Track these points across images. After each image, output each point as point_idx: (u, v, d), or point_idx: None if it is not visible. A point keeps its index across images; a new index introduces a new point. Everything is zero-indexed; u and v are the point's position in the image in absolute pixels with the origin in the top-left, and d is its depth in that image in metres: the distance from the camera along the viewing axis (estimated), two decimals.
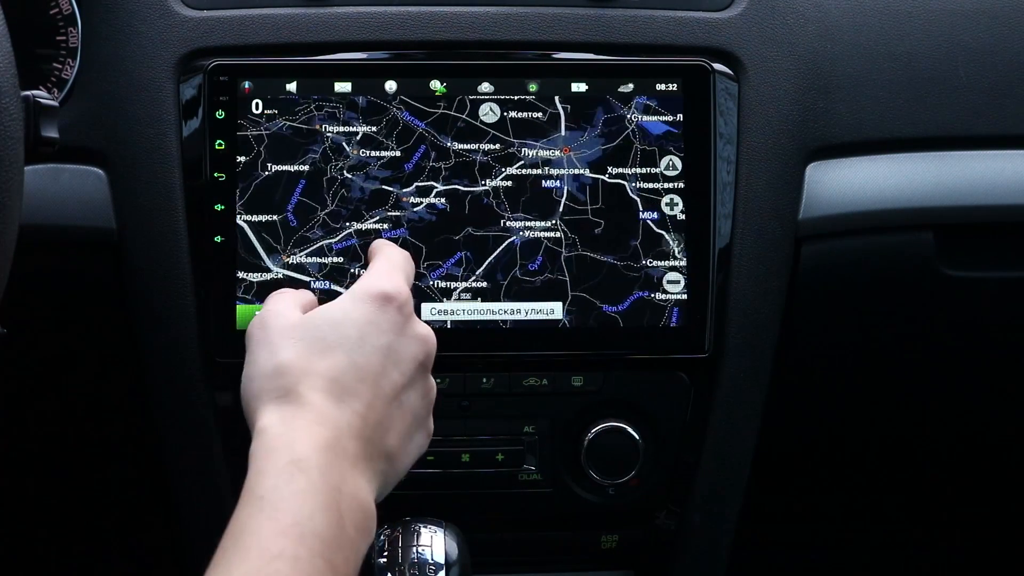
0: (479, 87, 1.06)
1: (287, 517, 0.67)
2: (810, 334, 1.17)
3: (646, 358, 1.08)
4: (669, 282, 1.06)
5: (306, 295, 0.86)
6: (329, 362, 0.75)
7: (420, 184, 1.04)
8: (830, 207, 1.11)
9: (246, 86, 1.04)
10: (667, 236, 1.06)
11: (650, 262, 1.06)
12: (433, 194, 1.05)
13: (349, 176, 1.04)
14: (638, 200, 1.06)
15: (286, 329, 0.78)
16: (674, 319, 1.06)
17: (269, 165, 1.04)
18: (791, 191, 1.10)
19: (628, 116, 1.06)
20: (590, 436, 1.09)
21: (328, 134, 1.04)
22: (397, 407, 0.77)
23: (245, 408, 0.77)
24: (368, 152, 1.04)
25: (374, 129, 1.05)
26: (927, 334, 1.22)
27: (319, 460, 0.70)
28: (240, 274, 1.03)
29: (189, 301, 1.05)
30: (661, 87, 1.07)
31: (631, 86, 1.06)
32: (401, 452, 0.78)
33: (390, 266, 0.83)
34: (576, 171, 1.05)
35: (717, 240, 1.07)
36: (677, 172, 1.06)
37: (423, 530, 0.93)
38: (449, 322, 1.05)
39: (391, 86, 1.05)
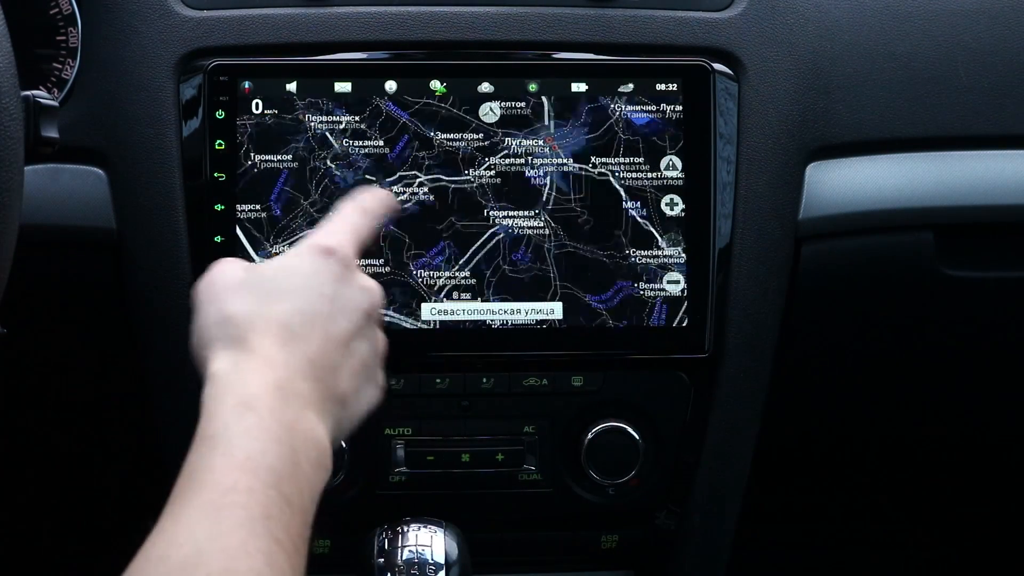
0: (479, 87, 1.06)
1: (239, 452, 0.68)
2: (810, 334, 1.17)
3: (646, 358, 1.08)
4: (669, 282, 1.06)
5: (249, 263, 0.87)
6: (277, 309, 0.77)
7: (403, 174, 1.04)
8: (830, 207, 1.11)
9: (246, 86, 1.04)
10: (667, 235, 1.06)
11: (649, 261, 1.06)
12: (416, 184, 1.05)
13: (332, 166, 1.04)
14: (627, 194, 1.06)
15: (232, 283, 0.79)
16: (674, 319, 1.06)
17: (253, 156, 1.04)
18: (791, 191, 1.10)
19: (612, 107, 1.06)
20: (590, 436, 1.09)
21: (311, 124, 1.04)
22: (347, 353, 0.78)
23: (196, 360, 0.79)
24: (351, 142, 1.04)
25: (357, 119, 1.05)
26: (927, 334, 1.22)
27: (269, 400, 0.71)
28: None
29: (189, 301, 1.04)
30: (661, 87, 1.07)
31: (631, 86, 1.06)
32: (353, 398, 0.79)
33: (339, 224, 0.84)
34: (561, 162, 1.05)
35: (717, 240, 1.07)
36: (677, 172, 1.06)
37: (423, 530, 0.93)
38: (449, 322, 1.05)
39: (391, 86, 1.05)
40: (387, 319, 1.04)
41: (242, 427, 0.69)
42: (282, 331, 0.76)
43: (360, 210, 0.86)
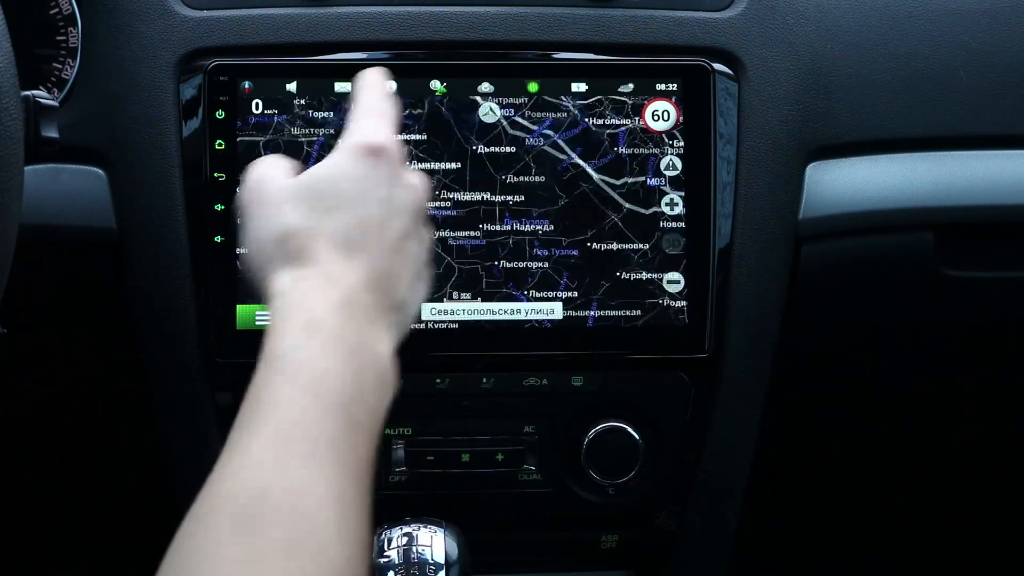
0: (479, 87, 1.06)
1: (306, 377, 0.67)
2: (810, 334, 1.17)
3: (646, 358, 1.08)
4: (669, 282, 1.06)
5: (288, 160, 0.83)
6: (335, 220, 0.75)
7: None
8: (830, 207, 1.11)
9: (246, 86, 1.04)
10: (667, 236, 1.06)
11: (649, 261, 1.06)
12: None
13: None
14: (627, 194, 1.06)
15: (284, 192, 0.77)
16: (674, 319, 1.06)
17: (253, 156, 1.04)
18: (791, 191, 1.10)
19: (612, 107, 1.06)
20: (590, 436, 1.09)
21: (311, 124, 1.04)
22: (402, 257, 0.77)
23: (255, 276, 0.77)
24: None
25: None
26: (927, 334, 1.22)
27: (334, 319, 0.70)
28: (240, 274, 1.03)
29: (189, 301, 1.05)
30: (661, 87, 1.07)
31: (631, 86, 1.06)
32: (409, 300, 0.78)
33: (374, 116, 0.81)
34: (561, 162, 1.05)
35: (717, 240, 1.07)
36: (677, 172, 1.06)
37: (423, 530, 0.93)
38: (449, 322, 1.05)
39: (391, 86, 1.05)
40: None
41: (309, 349, 0.68)
42: (342, 243, 0.74)
43: (379, 94, 0.83)
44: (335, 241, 0.74)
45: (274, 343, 0.69)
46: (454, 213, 1.05)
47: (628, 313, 1.06)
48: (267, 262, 0.75)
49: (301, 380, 0.67)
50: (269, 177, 0.78)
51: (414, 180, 0.80)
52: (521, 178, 1.05)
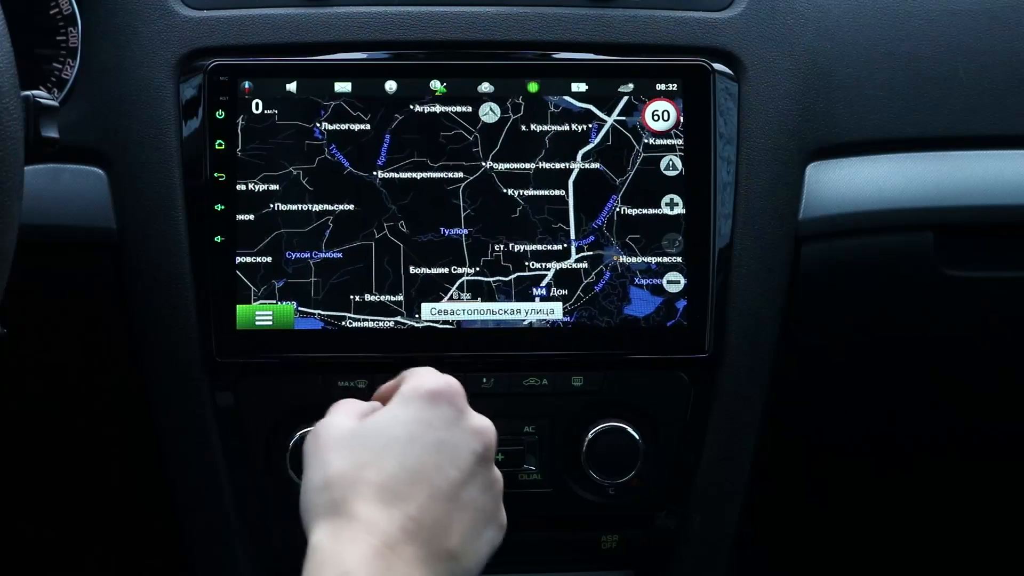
0: (479, 87, 1.06)
1: None
2: (810, 334, 1.17)
3: (646, 358, 1.08)
4: (669, 282, 1.06)
5: (369, 404, 0.83)
6: (377, 468, 0.73)
7: (404, 175, 1.04)
8: (830, 207, 1.11)
9: (246, 86, 1.04)
10: (667, 236, 1.06)
11: (649, 261, 1.06)
12: (417, 184, 1.04)
13: (332, 167, 1.04)
14: (627, 194, 1.06)
15: (336, 440, 0.76)
16: (674, 319, 1.06)
17: (253, 156, 1.04)
18: (791, 191, 1.10)
19: (612, 107, 1.06)
20: (590, 436, 1.09)
21: (311, 124, 1.04)
22: (457, 505, 0.75)
23: (304, 526, 0.75)
24: (351, 142, 1.04)
25: (357, 119, 1.04)
26: (927, 334, 1.22)
27: (368, 571, 0.68)
28: (243, 276, 1.03)
29: (189, 301, 1.05)
30: (661, 87, 1.07)
31: (631, 86, 1.06)
32: (468, 550, 0.75)
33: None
34: (561, 162, 1.05)
35: (717, 240, 1.07)
36: (677, 172, 1.06)
37: None
38: (449, 322, 1.05)
39: (391, 86, 1.05)
40: (388, 320, 1.04)
41: None
42: (382, 492, 0.72)
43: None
44: (376, 489, 0.72)
45: None
46: (457, 215, 1.05)
47: (628, 313, 1.06)
48: (309, 512, 0.74)
49: None
50: (330, 423, 0.78)
51: (480, 424, 0.78)
52: (521, 178, 1.05)
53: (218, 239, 1.04)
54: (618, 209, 1.06)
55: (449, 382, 0.78)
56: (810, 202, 1.11)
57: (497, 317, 1.05)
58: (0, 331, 0.85)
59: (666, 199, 1.06)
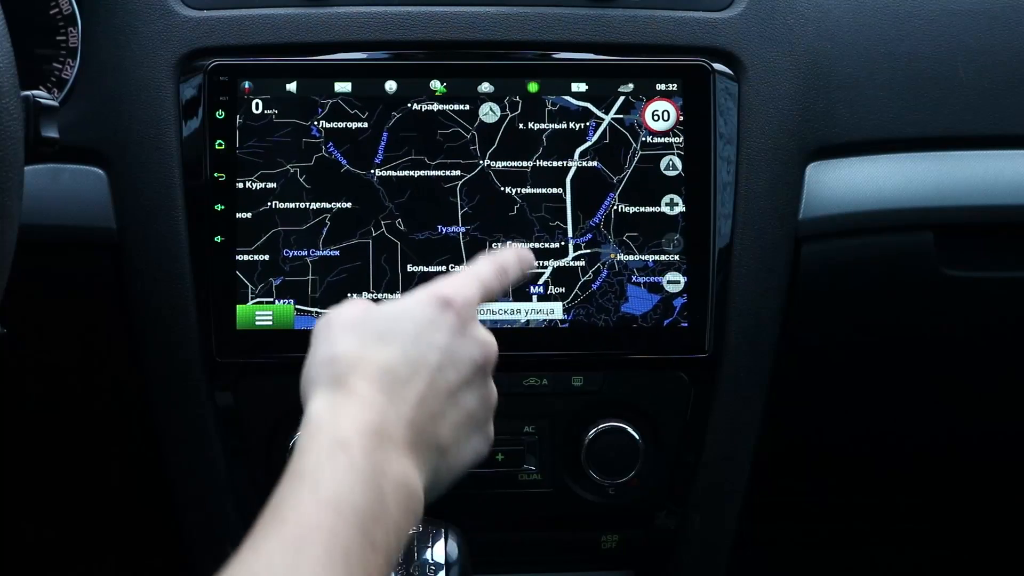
0: (479, 87, 1.06)
1: (326, 491, 0.68)
2: (810, 334, 1.17)
3: (646, 358, 1.08)
4: (669, 282, 1.06)
5: (369, 303, 0.85)
6: (383, 353, 0.76)
7: (404, 174, 1.04)
8: (830, 207, 1.11)
9: (246, 86, 1.04)
10: (667, 236, 1.06)
11: (649, 261, 1.06)
12: (417, 183, 1.05)
13: (332, 166, 1.04)
14: (627, 194, 1.06)
15: (346, 323, 0.79)
16: (674, 319, 1.06)
17: (253, 156, 1.04)
18: (791, 191, 1.10)
19: (612, 107, 1.06)
20: (590, 436, 1.09)
21: (311, 124, 1.04)
22: (452, 403, 0.78)
23: (302, 398, 0.78)
24: (351, 142, 1.04)
25: (357, 119, 1.04)
26: (927, 334, 1.22)
27: (362, 442, 0.71)
28: (240, 274, 1.03)
29: (189, 301, 1.05)
30: (661, 87, 1.07)
31: (631, 86, 1.06)
32: (454, 448, 0.78)
33: (466, 275, 0.83)
34: (561, 162, 1.05)
35: (717, 240, 1.07)
36: (677, 172, 1.06)
37: (423, 530, 0.93)
38: None
39: (391, 86, 1.05)
40: None
41: (332, 466, 0.69)
42: (384, 375, 0.75)
43: (496, 267, 0.84)
44: (378, 372, 0.75)
45: (299, 460, 0.70)
46: (454, 213, 1.05)
47: (626, 311, 1.06)
48: (311, 383, 0.76)
49: (321, 494, 0.68)
50: (341, 310, 0.80)
51: (484, 337, 0.80)
52: (518, 176, 1.05)
53: (218, 239, 1.04)
54: (616, 207, 1.06)
55: (462, 292, 0.80)
56: (810, 202, 1.11)
57: (497, 317, 1.05)
58: (0, 331, 0.85)
59: (666, 199, 1.06)
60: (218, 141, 1.04)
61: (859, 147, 1.13)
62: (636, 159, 1.06)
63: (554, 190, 1.06)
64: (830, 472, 1.52)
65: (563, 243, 1.06)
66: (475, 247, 1.05)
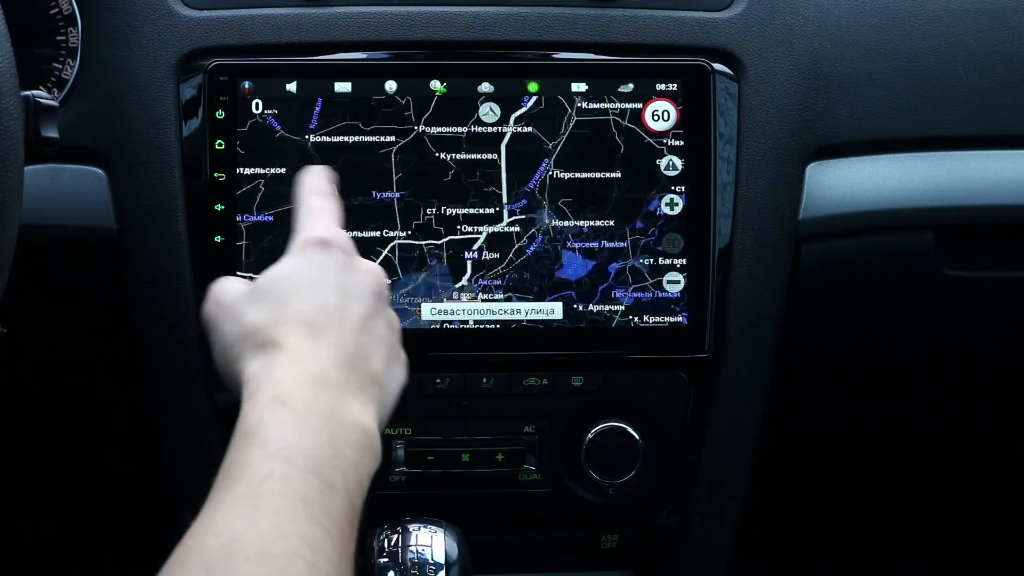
0: (479, 87, 1.06)
1: (274, 443, 0.69)
2: (810, 334, 1.17)
3: (646, 358, 1.08)
4: (669, 282, 1.06)
5: (242, 279, 0.88)
6: (294, 308, 0.78)
7: (404, 174, 1.04)
8: (830, 207, 1.11)
9: (246, 86, 1.04)
10: (667, 235, 1.06)
11: (649, 261, 1.06)
12: (417, 183, 1.04)
13: (331, 166, 1.04)
14: (627, 194, 1.06)
15: (242, 296, 0.81)
16: (674, 319, 1.06)
17: (253, 156, 1.04)
18: (791, 191, 1.10)
19: (612, 107, 1.06)
20: (590, 436, 1.09)
21: (311, 124, 1.04)
22: (369, 336, 0.80)
23: (227, 379, 0.79)
24: (351, 142, 1.04)
25: (357, 119, 1.04)
26: (927, 334, 1.22)
27: (302, 392, 0.72)
28: (240, 274, 1.03)
29: (189, 301, 1.05)
30: (661, 87, 1.07)
31: (631, 86, 1.06)
32: (387, 377, 0.81)
33: (318, 214, 0.86)
34: (561, 162, 1.05)
35: (717, 240, 1.07)
36: (677, 172, 1.06)
37: (423, 530, 0.93)
38: (449, 322, 1.05)
39: (391, 86, 1.05)
40: None
41: (276, 420, 0.70)
42: (305, 327, 0.77)
43: (323, 196, 0.87)
44: (299, 326, 0.77)
45: (244, 420, 0.71)
46: (454, 213, 1.05)
47: (628, 313, 1.06)
48: (236, 357, 0.77)
49: (270, 447, 0.69)
50: (224, 289, 0.82)
51: (369, 266, 0.83)
52: (521, 178, 1.05)
53: (218, 239, 1.04)
54: (551, 172, 1.05)
55: (333, 230, 0.83)
56: (810, 202, 1.11)
57: (497, 317, 1.05)
58: (0, 331, 0.85)
59: (666, 199, 1.06)
60: (218, 141, 1.04)
61: (859, 147, 1.13)
62: (572, 125, 1.06)
63: (489, 156, 1.05)
64: (830, 472, 1.52)
65: (498, 209, 1.05)
66: (409, 212, 1.04)
